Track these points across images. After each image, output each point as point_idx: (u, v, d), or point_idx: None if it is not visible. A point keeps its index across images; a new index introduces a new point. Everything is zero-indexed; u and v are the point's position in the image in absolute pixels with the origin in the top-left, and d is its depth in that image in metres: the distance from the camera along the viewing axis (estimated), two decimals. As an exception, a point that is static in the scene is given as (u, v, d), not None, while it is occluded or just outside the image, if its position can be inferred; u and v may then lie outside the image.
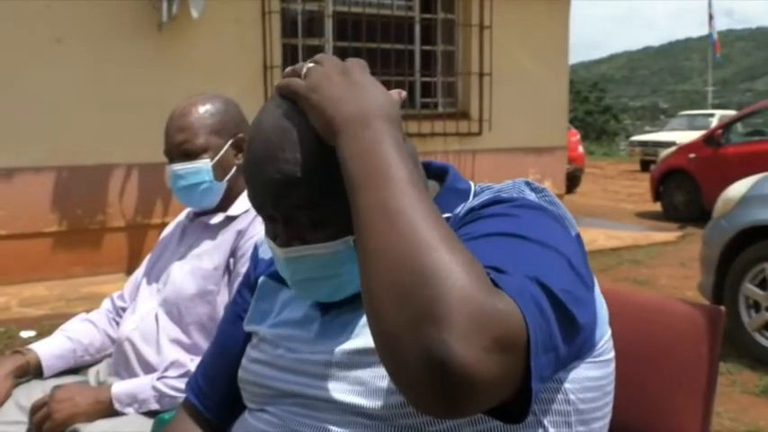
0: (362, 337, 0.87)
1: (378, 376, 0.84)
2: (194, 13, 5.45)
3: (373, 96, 0.80)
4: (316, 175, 0.84)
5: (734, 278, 3.78)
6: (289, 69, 0.87)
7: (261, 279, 1.09)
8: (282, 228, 0.89)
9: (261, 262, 1.12)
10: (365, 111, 0.78)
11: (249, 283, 1.13)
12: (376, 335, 0.68)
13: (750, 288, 3.71)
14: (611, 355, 0.91)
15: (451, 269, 0.64)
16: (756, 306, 3.72)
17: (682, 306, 1.09)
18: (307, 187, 0.84)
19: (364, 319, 0.88)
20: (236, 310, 1.13)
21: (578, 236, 0.87)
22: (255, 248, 1.16)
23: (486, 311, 0.63)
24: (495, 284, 0.67)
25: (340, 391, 0.86)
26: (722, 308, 1.06)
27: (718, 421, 2.97)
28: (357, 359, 0.86)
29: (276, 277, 1.04)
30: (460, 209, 0.90)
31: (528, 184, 0.91)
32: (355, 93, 0.80)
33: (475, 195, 0.94)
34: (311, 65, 0.85)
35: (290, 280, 0.92)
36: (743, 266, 3.74)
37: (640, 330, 1.04)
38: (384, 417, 0.83)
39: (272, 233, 0.91)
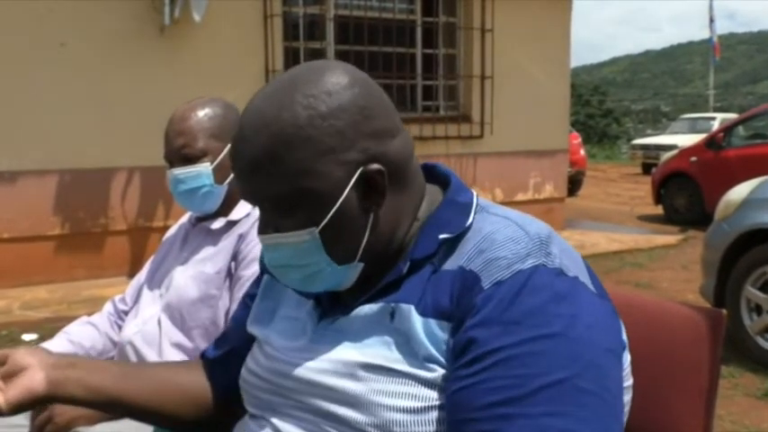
0: (358, 350, 0.86)
1: (373, 390, 0.82)
2: (196, 17, 5.46)
3: None
4: (281, 163, 0.83)
5: (735, 281, 3.77)
6: None
7: (265, 277, 1.09)
8: (261, 214, 0.92)
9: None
10: None
11: (258, 279, 1.14)
12: None
13: (752, 291, 3.71)
14: (630, 382, 0.91)
15: None
16: (758, 309, 3.71)
17: (683, 309, 1.08)
18: (270, 173, 0.84)
19: (358, 328, 0.88)
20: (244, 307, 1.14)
21: (604, 292, 0.86)
22: None
23: None
24: None
25: (333, 400, 0.85)
26: (724, 311, 1.05)
27: (719, 424, 2.97)
28: (353, 371, 0.84)
29: None
30: (467, 258, 0.83)
31: (545, 243, 0.83)
32: None
33: (476, 212, 0.89)
34: None
35: (268, 265, 0.94)
36: (744, 269, 3.73)
37: (641, 333, 1.04)
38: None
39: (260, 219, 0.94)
